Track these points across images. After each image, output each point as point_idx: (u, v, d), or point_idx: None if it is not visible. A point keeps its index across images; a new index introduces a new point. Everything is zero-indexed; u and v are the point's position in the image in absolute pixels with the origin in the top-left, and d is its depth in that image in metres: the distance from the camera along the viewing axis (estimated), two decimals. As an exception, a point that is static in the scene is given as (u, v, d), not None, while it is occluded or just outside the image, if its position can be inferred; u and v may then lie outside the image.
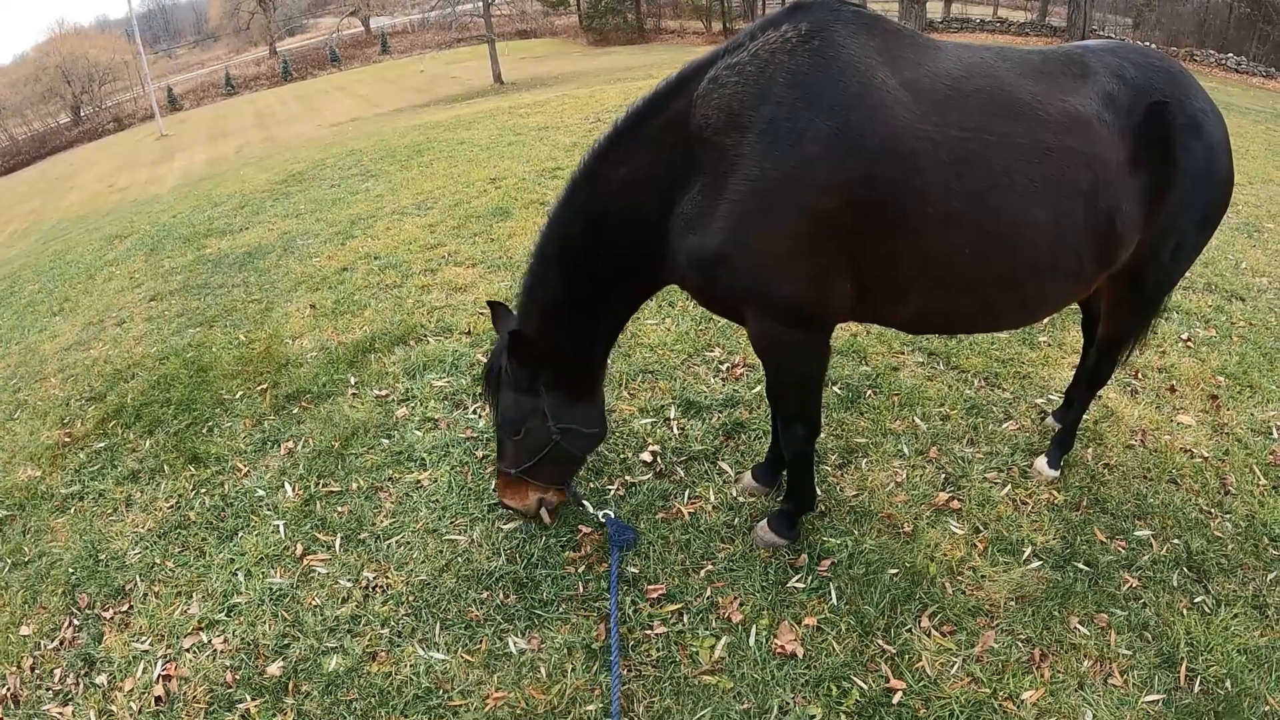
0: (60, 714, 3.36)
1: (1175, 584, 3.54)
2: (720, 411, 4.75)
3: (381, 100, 33.35)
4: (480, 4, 34.80)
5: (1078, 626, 3.33)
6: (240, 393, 5.47)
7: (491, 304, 3.70)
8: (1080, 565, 3.62)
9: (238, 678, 3.37)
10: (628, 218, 3.16)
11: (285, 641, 3.51)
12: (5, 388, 6.48)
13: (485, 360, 3.57)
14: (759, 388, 4.79)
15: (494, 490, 3.89)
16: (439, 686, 3.23)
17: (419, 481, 4.36)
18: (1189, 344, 5.50)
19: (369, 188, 10.78)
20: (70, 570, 4.10)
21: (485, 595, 3.60)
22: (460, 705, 3.14)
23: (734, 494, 4.11)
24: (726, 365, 5.21)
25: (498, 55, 33.23)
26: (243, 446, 4.86)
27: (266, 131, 29.73)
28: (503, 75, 32.74)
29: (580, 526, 3.91)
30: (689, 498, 4.11)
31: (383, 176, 11.32)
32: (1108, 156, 3.08)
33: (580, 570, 3.71)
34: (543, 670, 3.25)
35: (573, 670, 3.24)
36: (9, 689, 3.51)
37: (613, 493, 4.16)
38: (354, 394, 5.25)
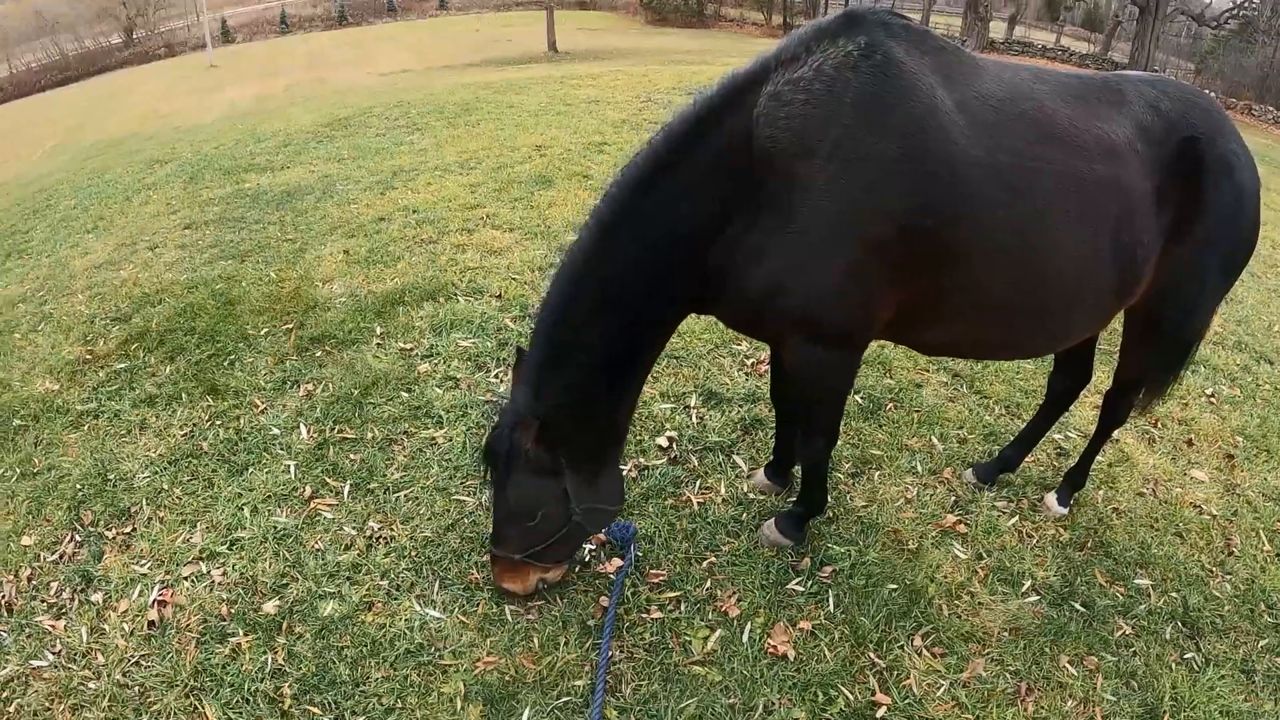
0: (52, 627, 3.40)
1: (1168, 637, 3.53)
2: (741, 405, 4.75)
3: (434, 55, 33.20)
4: (543, -31, 34.69)
5: (1067, 666, 3.33)
6: (265, 330, 5.50)
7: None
8: (1077, 605, 3.62)
9: (233, 611, 3.41)
10: (687, 254, 2.92)
11: (284, 581, 3.55)
12: (32, 299, 6.53)
13: (488, 435, 3.24)
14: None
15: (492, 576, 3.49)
16: (431, 643, 3.26)
17: (434, 438, 4.38)
18: (1212, 400, 5.46)
19: (414, 141, 10.75)
20: (78, 486, 4.14)
21: (487, 559, 3.61)
22: (450, 665, 3.17)
23: (745, 489, 4.13)
24: (752, 360, 5.21)
25: (554, 23, 33.09)
26: (262, 383, 4.90)
27: (317, 73, 29.67)
28: (557, 44, 32.60)
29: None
30: (700, 488, 4.12)
31: (429, 131, 11.29)
32: (1136, 187, 3.04)
33: (586, 546, 3.72)
34: (536, 641, 3.27)
35: (566, 644, 3.26)
36: (4, 596, 3.56)
37: (625, 473, 4.15)
38: (378, 344, 5.26)
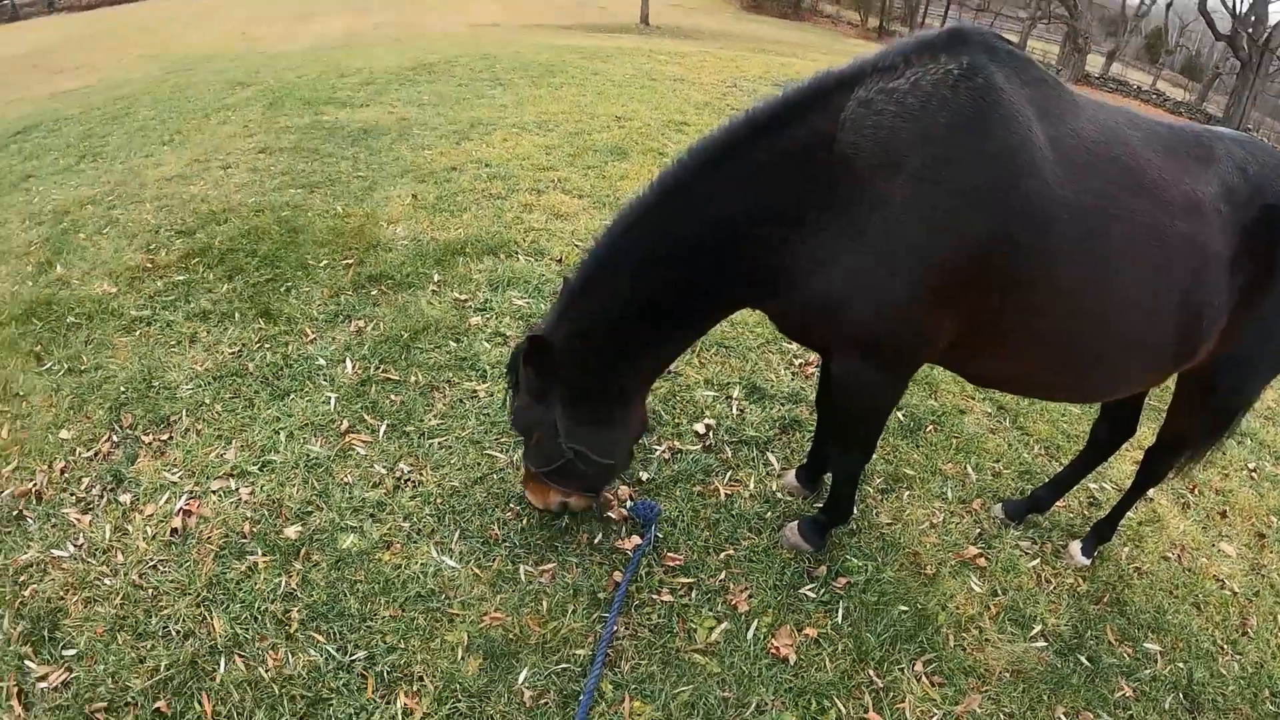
0: (78, 520, 3.51)
1: (1167, 706, 3.48)
2: (782, 404, 4.74)
3: (526, 12, 33.12)
4: (644, -59, 34.41)
5: (1062, 717, 3.29)
6: (325, 262, 5.57)
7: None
8: (1083, 658, 3.58)
9: (254, 530, 3.49)
10: (740, 243, 2.85)
11: (308, 509, 3.63)
12: (101, 202, 6.65)
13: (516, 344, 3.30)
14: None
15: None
16: (442, 591, 3.32)
17: (475, 391, 4.43)
18: (1253, 475, 5.32)
19: (495, 95, 10.77)
20: (121, 389, 4.25)
21: (509, 517, 3.67)
22: (458, 615, 3.23)
23: (774, 488, 4.12)
24: (800, 360, 5.19)
25: (650, -3, 32.96)
26: (315, 314, 4.97)
27: (407, 15, 29.70)
28: (650, 17, 32.46)
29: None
30: (730, 480, 4.13)
31: (511, 87, 11.30)
32: (1215, 250, 2.94)
33: (609, 518, 3.76)
34: (545, 604, 3.31)
35: (574, 612, 3.30)
36: (36, 485, 3.67)
37: (658, 454, 4.19)
38: (434, 291, 5.31)
